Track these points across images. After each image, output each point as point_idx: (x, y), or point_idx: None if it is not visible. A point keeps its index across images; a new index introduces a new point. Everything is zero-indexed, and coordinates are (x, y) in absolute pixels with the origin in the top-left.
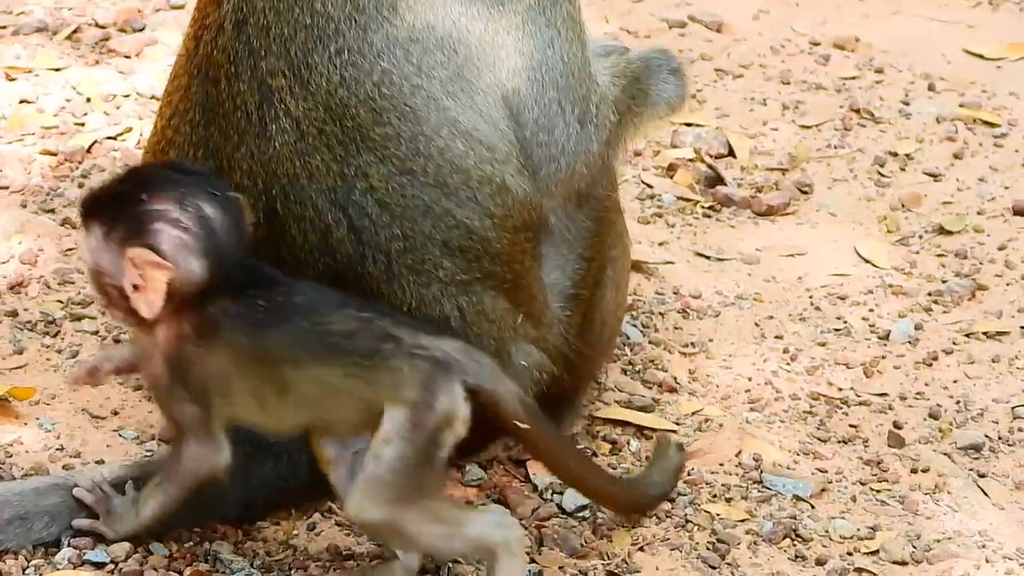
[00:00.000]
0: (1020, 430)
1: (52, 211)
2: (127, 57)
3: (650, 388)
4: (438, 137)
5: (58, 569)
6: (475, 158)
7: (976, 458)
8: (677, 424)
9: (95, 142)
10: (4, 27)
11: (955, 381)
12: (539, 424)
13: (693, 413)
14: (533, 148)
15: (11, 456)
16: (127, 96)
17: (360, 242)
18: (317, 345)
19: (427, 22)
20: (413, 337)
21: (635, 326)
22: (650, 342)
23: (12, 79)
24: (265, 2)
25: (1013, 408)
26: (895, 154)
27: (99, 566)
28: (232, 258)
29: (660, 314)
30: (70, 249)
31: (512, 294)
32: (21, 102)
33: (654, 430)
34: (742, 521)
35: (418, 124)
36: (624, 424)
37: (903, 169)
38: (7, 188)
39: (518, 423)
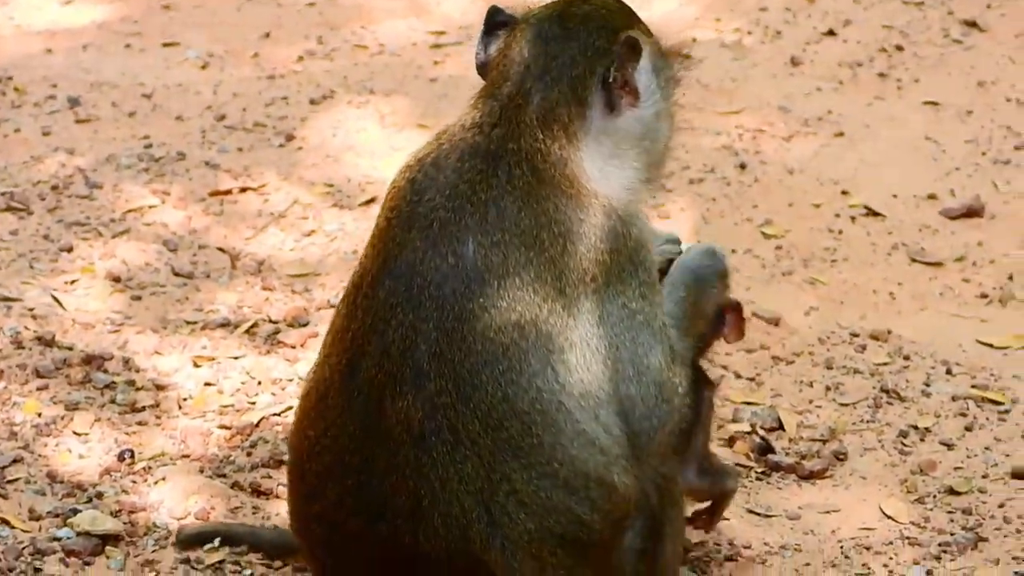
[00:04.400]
0: None
1: (224, 475)
2: (292, 347)
3: None
4: (572, 446)
5: None
6: (594, 462)
7: None
8: None
9: (263, 418)
10: (195, 322)
11: None
12: None
13: None
14: (639, 436)
15: None
16: (291, 380)
17: (496, 535)
18: None
19: (570, 342)
20: None
21: (694, 571)
22: None
23: (198, 365)
24: (440, 334)
25: None
26: (916, 427)
27: None
28: None
29: (717, 563)
30: (236, 507)
31: (601, 568)
32: (205, 384)
33: None
34: None
35: (558, 435)
36: None
37: (923, 440)
38: (188, 456)
39: None
